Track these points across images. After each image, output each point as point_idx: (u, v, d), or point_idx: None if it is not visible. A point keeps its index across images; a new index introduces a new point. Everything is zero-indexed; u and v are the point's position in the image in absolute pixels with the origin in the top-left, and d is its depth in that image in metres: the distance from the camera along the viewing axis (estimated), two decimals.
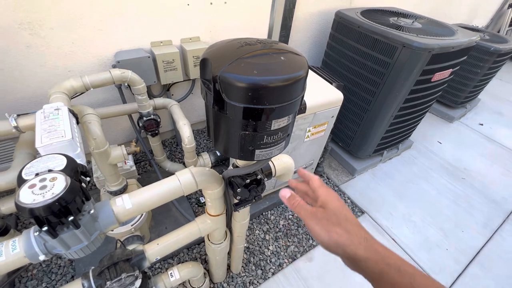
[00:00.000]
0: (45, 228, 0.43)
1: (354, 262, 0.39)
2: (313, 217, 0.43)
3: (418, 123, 2.03)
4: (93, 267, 0.73)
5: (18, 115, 0.90)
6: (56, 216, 0.44)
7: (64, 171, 0.48)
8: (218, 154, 1.64)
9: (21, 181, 0.46)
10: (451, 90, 2.64)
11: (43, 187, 0.43)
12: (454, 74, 1.68)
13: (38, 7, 1.05)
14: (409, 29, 1.50)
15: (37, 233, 0.47)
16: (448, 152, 2.32)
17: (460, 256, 1.54)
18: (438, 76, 1.53)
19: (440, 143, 2.42)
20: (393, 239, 1.59)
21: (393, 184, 1.96)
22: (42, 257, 0.48)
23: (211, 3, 1.45)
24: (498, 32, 3.97)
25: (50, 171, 0.47)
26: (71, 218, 0.45)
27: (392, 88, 1.51)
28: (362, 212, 1.72)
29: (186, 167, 1.49)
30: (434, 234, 1.64)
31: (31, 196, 0.42)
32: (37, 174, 0.46)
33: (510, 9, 3.76)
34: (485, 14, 3.85)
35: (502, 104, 3.12)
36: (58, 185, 0.44)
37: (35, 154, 1.02)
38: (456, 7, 3.06)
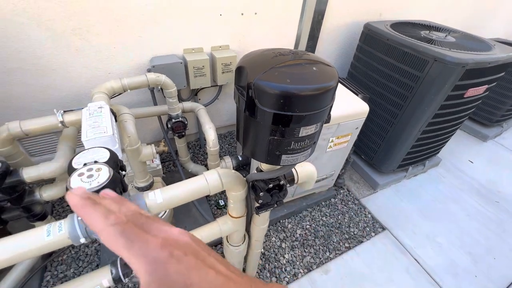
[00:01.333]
0: None
1: None
2: None
3: (448, 140, 1.94)
4: (120, 257, 0.78)
5: (65, 111, 1.00)
6: None
7: (108, 163, 0.53)
8: (240, 158, 1.67)
9: (71, 169, 0.51)
10: (486, 107, 2.50)
11: (90, 176, 0.48)
12: (490, 91, 1.60)
13: (89, 15, 1.16)
14: (442, 43, 1.46)
15: (80, 217, 0.52)
16: (480, 173, 2.18)
17: (491, 285, 1.43)
18: (472, 92, 1.47)
19: (472, 162, 2.29)
20: (415, 259, 1.51)
21: (417, 202, 1.87)
22: (82, 240, 0.53)
23: (242, 14, 1.51)
24: None
25: (96, 162, 0.52)
26: None
27: (421, 102, 1.47)
28: (383, 228, 1.66)
29: (208, 169, 1.53)
30: (462, 259, 1.54)
31: (80, 183, 0.47)
32: (85, 164, 0.52)
33: None
34: None
35: None
36: (103, 175, 0.49)
37: (75, 148, 1.11)
38: (494, 21, 2.92)
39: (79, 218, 0.53)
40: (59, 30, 1.14)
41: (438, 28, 1.78)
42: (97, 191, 0.47)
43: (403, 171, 2.00)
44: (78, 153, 0.55)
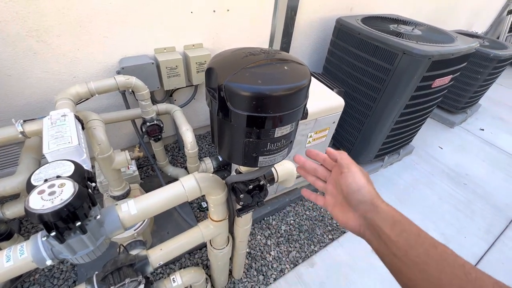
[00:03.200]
0: (53, 233, 0.44)
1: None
2: (335, 205, 0.48)
3: (419, 129, 2.04)
4: (96, 272, 0.74)
5: (25, 121, 0.92)
6: (64, 222, 0.44)
7: (72, 177, 0.49)
8: (220, 159, 1.65)
9: (30, 187, 0.47)
10: (452, 95, 2.65)
11: (52, 193, 0.44)
12: (455, 80, 1.69)
13: (45, 15, 1.08)
14: (409, 36, 1.52)
15: (45, 238, 0.48)
16: (449, 158, 2.32)
17: None
18: (438, 82, 1.55)
19: (441, 148, 2.43)
20: None
21: (394, 189, 1.96)
22: (49, 262, 0.49)
23: (214, 11, 1.47)
24: (498, 38, 4.00)
25: (58, 177, 0.48)
26: (78, 223, 0.46)
27: (392, 94, 1.52)
28: None
29: (188, 172, 1.50)
30: None
31: (41, 202, 0.43)
32: (46, 180, 0.47)
33: (509, 15, 3.80)
34: (485, 20, 3.89)
35: (502, 110, 3.13)
36: (67, 191, 0.45)
37: (40, 159, 1.03)
38: (456, 14, 3.09)
39: (44, 238, 0.49)
40: (12, 32, 1.05)
41: (405, 22, 1.85)
42: (62, 209, 0.44)
43: (379, 161, 2.07)
44: (38, 168, 0.50)
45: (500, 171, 2.23)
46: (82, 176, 0.52)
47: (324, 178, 0.53)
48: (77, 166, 0.52)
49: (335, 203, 0.48)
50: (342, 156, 0.48)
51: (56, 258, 0.50)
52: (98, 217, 0.51)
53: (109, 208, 0.56)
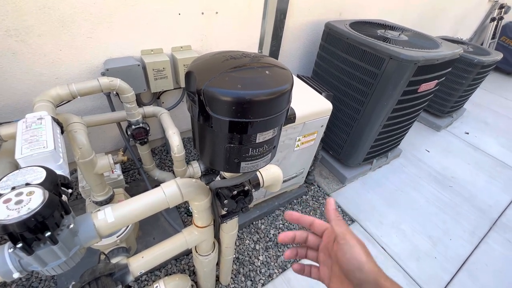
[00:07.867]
0: (19, 245, 0.42)
1: None
2: (331, 277, 0.42)
3: (407, 132, 2.07)
4: (73, 282, 0.71)
5: (0, 124, 0.88)
6: (31, 232, 0.42)
7: (43, 184, 0.47)
8: None
9: None
10: (438, 100, 2.72)
11: (18, 201, 0.42)
12: (440, 85, 1.73)
13: (25, 14, 1.04)
14: (396, 41, 1.54)
15: (11, 249, 0.45)
16: (435, 161, 2.37)
17: (448, 264, 1.56)
18: (424, 87, 1.58)
19: (428, 151, 2.47)
20: (382, 248, 1.59)
21: (382, 192, 1.98)
22: (16, 275, 0.46)
23: (202, 13, 1.46)
24: (481, 44, 4.14)
25: (27, 184, 0.46)
26: (48, 233, 0.43)
27: (380, 98, 1.54)
28: (353, 220, 1.73)
29: (175, 176, 1.47)
30: (423, 243, 1.66)
31: (6, 212, 0.40)
32: (13, 188, 0.45)
33: (493, 22, 3.93)
34: (469, 27, 4.01)
35: (486, 114, 3.23)
36: (35, 199, 0.42)
37: (17, 164, 0.99)
38: (441, 20, 3.18)
39: (11, 250, 0.46)
40: None
41: (392, 27, 1.89)
42: (28, 219, 0.41)
43: (368, 164, 2.09)
44: (6, 175, 0.48)
45: (484, 174, 2.29)
46: (54, 183, 0.49)
47: (314, 246, 0.47)
48: (49, 172, 0.50)
49: (332, 275, 0.43)
50: (337, 222, 0.43)
51: (24, 270, 0.47)
52: (71, 226, 0.49)
53: (84, 216, 0.54)
